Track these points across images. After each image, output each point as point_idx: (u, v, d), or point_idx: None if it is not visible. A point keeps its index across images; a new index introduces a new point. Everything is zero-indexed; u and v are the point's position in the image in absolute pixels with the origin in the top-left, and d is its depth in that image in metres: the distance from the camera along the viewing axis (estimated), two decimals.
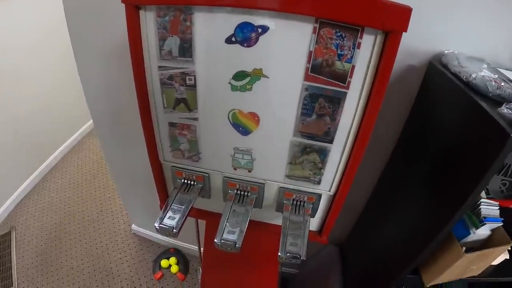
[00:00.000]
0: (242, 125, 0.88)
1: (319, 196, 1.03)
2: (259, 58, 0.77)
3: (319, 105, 0.82)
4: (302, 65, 0.77)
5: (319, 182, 0.99)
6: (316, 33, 0.72)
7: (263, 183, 1.02)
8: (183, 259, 2.35)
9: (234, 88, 0.82)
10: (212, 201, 1.12)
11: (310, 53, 0.75)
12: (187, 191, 1.05)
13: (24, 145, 2.78)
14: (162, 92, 0.88)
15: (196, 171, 1.03)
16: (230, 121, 0.88)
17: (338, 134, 0.87)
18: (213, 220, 1.19)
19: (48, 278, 2.23)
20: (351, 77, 0.76)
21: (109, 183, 2.98)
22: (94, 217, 2.67)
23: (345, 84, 0.77)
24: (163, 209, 0.98)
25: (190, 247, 2.34)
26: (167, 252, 2.38)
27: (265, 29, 0.73)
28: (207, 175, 1.03)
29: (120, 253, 2.40)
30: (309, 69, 0.77)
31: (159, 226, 0.93)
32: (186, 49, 0.79)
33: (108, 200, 2.82)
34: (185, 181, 1.06)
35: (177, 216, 0.96)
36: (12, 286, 2.19)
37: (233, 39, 0.75)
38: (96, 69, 1.42)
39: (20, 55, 2.55)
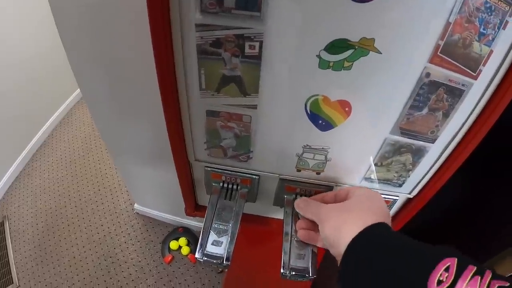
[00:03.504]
0: (324, 116, 0.57)
1: (395, 200, 0.76)
2: (374, 23, 0.45)
3: (437, 97, 0.54)
4: (432, 41, 0.47)
5: (401, 185, 0.72)
6: None
7: (332, 186, 0.72)
8: (194, 239, 2.09)
9: (324, 65, 0.50)
10: (256, 204, 0.83)
11: (447, 25, 0.45)
12: (229, 198, 0.75)
13: (7, 122, 2.37)
14: (200, 66, 0.54)
15: (243, 173, 0.73)
16: (307, 111, 0.57)
17: (444, 133, 0.60)
18: (250, 224, 0.91)
19: (49, 271, 1.95)
20: (484, 65, 0.50)
21: (104, 157, 2.64)
22: (92, 197, 2.35)
23: (475, 73, 0.51)
24: (202, 232, 0.67)
25: (201, 225, 2.06)
26: (176, 232, 2.12)
27: None
28: (257, 177, 0.73)
29: (124, 237, 2.12)
30: (440, 48, 0.48)
31: (204, 259, 0.64)
32: None
33: (105, 177, 2.50)
34: (225, 185, 0.76)
35: (224, 239, 0.67)
36: (13, 283, 1.90)
37: None
38: (79, 26, 1.07)
39: None
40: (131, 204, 2.27)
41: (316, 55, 0.49)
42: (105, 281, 1.91)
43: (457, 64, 0.50)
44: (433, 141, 0.62)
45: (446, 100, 0.55)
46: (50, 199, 2.35)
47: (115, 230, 2.15)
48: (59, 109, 2.96)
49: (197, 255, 0.65)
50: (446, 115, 0.57)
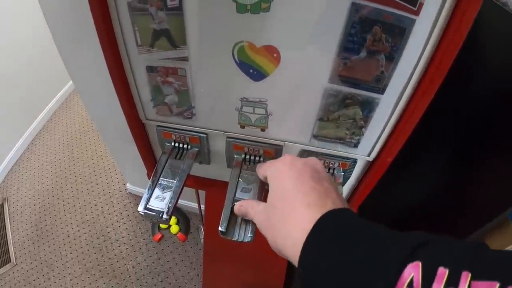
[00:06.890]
0: (253, 65, 0.57)
1: (354, 162, 0.73)
2: None
3: (373, 37, 0.49)
4: None
5: (356, 145, 0.68)
6: None
7: (281, 145, 0.72)
8: (183, 218, 2.10)
9: (241, 8, 0.49)
10: (212, 166, 0.84)
11: None
12: (180, 158, 0.76)
13: (7, 108, 2.41)
14: (134, 22, 0.55)
15: (190, 131, 0.73)
16: (235, 60, 0.56)
17: (393, 81, 0.54)
18: (214, 190, 0.92)
19: (45, 250, 2.00)
20: None
21: (100, 139, 2.67)
22: (87, 179, 2.39)
23: (415, 7, 0.45)
24: (147, 188, 0.68)
25: (190, 204, 2.08)
26: None
27: None
28: (205, 136, 0.73)
29: (116, 216, 2.16)
30: None
31: (144, 212, 0.65)
32: None
33: (100, 159, 2.53)
34: (176, 144, 0.76)
35: (167, 195, 0.67)
36: (10, 261, 1.96)
37: None
38: (65, 14, 1.11)
39: None
40: (124, 184, 2.30)
41: (232, 0, 0.48)
42: (97, 258, 1.95)
43: None
44: (381, 91, 0.56)
45: (386, 41, 0.49)
46: (48, 181, 2.39)
47: (108, 209, 2.19)
48: (58, 94, 2.98)
49: (139, 208, 0.66)
50: (390, 58, 0.51)
